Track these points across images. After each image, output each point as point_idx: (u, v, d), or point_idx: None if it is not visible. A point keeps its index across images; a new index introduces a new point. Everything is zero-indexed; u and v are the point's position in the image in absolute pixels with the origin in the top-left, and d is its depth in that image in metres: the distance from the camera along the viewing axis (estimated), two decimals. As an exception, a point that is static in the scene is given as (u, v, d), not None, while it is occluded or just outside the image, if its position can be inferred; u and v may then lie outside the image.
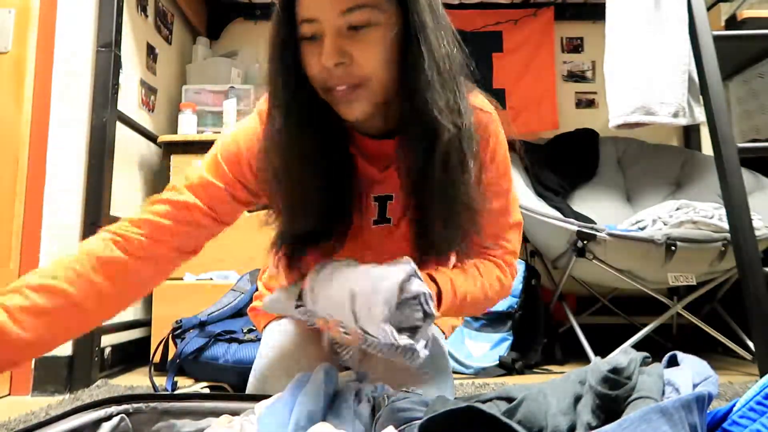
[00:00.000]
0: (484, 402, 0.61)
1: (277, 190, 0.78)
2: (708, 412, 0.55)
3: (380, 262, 0.74)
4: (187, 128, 2.23)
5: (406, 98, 0.72)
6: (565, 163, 2.52)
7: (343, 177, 0.80)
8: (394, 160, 0.79)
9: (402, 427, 0.59)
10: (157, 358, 1.81)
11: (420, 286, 0.68)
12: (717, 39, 1.66)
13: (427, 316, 0.68)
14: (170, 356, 1.80)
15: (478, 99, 0.85)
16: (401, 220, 0.84)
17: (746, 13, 2.11)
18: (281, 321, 1.01)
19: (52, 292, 0.70)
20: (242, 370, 1.50)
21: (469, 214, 0.77)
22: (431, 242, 0.79)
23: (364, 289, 0.68)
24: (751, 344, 1.97)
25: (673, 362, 0.65)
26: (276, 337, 0.97)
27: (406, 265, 0.69)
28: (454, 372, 1.88)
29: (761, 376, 0.73)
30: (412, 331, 0.68)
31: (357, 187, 0.83)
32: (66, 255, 0.76)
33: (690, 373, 0.59)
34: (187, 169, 0.85)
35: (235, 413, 0.69)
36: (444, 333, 1.06)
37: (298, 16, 0.70)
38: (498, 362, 1.93)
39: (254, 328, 1.61)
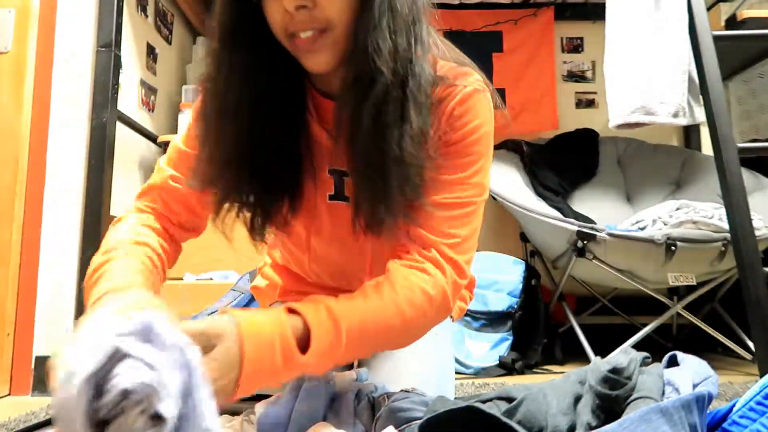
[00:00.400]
0: (484, 402, 0.61)
1: (216, 148, 0.71)
2: (708, 412, 0.55)
3: (336, 246, 0.75)
4: (187, 128, 2.23)
5: (353, 41, 0.65)
6: (565, 163, 2.52)
7: (293, 137, 0.74)
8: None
9: (402, 427, 0.59)
10: (157, 358, 1.81)
11: (135, 373, 0.41)
12: (717, 39, 1.66)
13: (159, 421, 0.41)
14: (170, 356, 1.80)
15: (453, 70, 0.75)
16: None
17: (746, 13, 2.11)
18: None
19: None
20: (242, 370, 1.50)
21: (403, 170, 0.66)
22: (366, 213, 0.69)
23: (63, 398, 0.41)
24: (751, 344, 1.97)
25: (673, 362, 0.65)
26: None
27: (112, 335, 0.43)
28: (455, 372, 1.88)
29: (761, 376, 0.73)
30: None
31: (309, 153, 0.76)
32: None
33: (690, 373, 0.59)
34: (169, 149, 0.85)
35: (235, 413, 0.69)
36: (452, 316, 0.94)
37: None
38: (498, 362, 1.93)
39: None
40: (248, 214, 0.76)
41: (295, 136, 0.75)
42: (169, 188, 0.81)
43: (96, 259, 0.70)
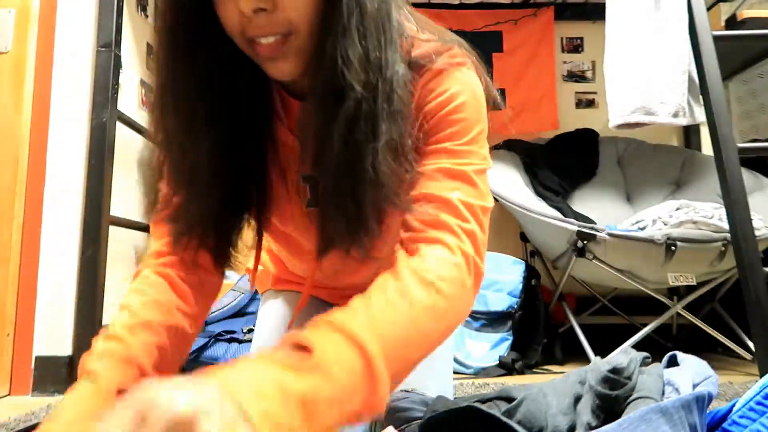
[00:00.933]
0: (484, 402, 0.61)
1: (173, 159, 0.65)
2: (708, 412, 0.55)
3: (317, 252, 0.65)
4: (187, 128, 2.23)
5: (318, 47, 0.58)
6: (565, 163, 2.52)
7: (259, 146, 0.69)
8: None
9: (402, 427, 0.59)
10: (157, 358, 1.81)
11: None
12: (717, 39, 1.66)
13: None
14: (170, 356, 1.80)
15: (432, 48, 0.68)
16: None
17: (746, 13, 2.11)
18: (275, 304, 1.00)
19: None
20: (242, 370, 1.50)
21: (378, 192, 0.59)
22: (332, 233, 0.63)
23: None
24: (751, 344, 1.97)
25: (673, 362, 0.65)
26: (271, 323, 0.97)
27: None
28: (454, 372, 1.88)
29: (761, 376, 0.73)
30: None
31: (278, 161, 0.71)
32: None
33: (690, 373, 0.59)
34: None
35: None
36: None
37: None
38: (498, 362, 1.93)
39: (254, 328, 1.61)
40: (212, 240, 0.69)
41: (261, 145, 0.70)
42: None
43: (97, 344, 0.66)
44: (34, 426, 0.59)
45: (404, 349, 0.50)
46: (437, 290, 0.54)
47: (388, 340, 0.48)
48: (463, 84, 0.66)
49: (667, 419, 0.49)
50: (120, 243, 2.00)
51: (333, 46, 0.56)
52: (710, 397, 0.52)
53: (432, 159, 0.63)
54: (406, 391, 0.68)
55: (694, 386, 0.56)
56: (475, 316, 2.05)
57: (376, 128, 0.58)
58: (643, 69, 1.82)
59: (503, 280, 2.08)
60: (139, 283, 0.70)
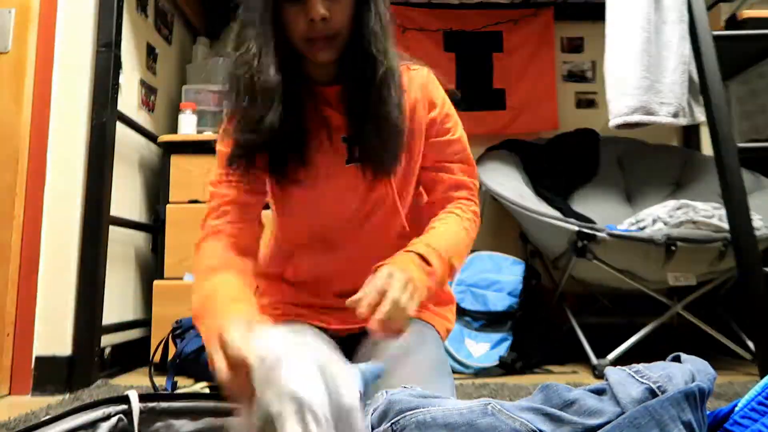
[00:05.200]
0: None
1: (241, 104, 0.90)
2: (709, 412, 0.55)
3: (341, 204, 0.96)
4: (187, 128, 2.23)
5: (358, 42, 0.90)
6: (565, 163, 2.52)
7: (301, 115, 0.94)
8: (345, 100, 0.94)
9: (396, 418, 0.58)
10: (157, 358, 1.81)
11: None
12: (717, 39, 1.66)
13: None
14: (170, 356, 1.80)
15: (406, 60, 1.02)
16: None
17: (746, 13, 2.11)
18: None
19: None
20: (242, 370, 1.50)
21: (397, 130, 0.92)
22: (371, 156, 0.93)
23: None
24: (751, 344, 1.97)
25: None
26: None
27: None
28: (454, 372, 1.88)
29: (761, 376, 0.73)
30: None
31: (317, 121, 0.95)
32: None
33: (679, 371, 0.58)
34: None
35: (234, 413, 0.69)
36: (440, 334, 1.05)
37: None
38: (498, 362, 1.93)
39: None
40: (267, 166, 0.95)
41: (301, 114, 0.94)
42: (224, 196, 0.95)
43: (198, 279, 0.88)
44: (34, 426, 0.59)
45: (462, 252, 0.98)
46: (470, 222, 1.02)
47: (455, 251, 0.95)
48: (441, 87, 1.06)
49: (657, 421, 0.48)
50: (120, 243, 2.00)
51: (366, 41, 0.89)
52: (702, 391, 0.52)
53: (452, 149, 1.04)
54: (405, 387, 0.68)
55: (686, 383, 0.56)
56: (475, 316, 2.05)
57: (392, 93, 0.91)
58: (643, 69, 1.82)
59: (503, 280, 2.08)
60: (204, 253, 0.92)
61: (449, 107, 1.04)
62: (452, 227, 0.98)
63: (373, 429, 0.60)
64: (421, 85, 1.00)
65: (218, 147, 0.98)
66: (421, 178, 1.05)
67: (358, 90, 0.91)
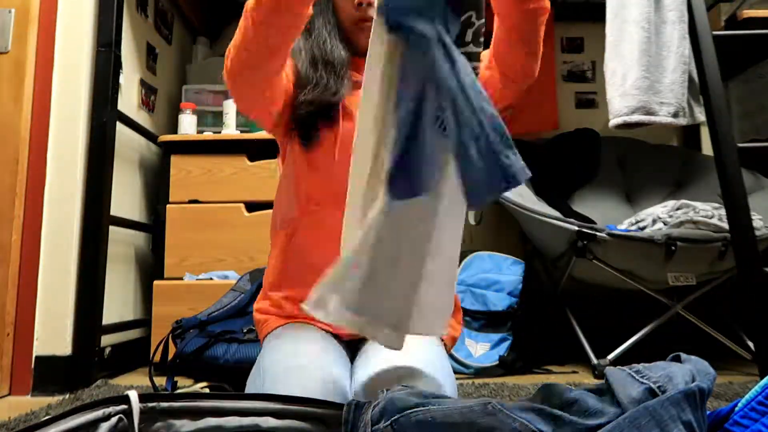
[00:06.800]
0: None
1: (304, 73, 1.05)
2: (709, 412, 0.55)
3: None
4: (187, 128, 2.23)
5: None
6: (565, 163, 2.52)
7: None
8: None
9: (396, 416, 0.58)
10: (157, 358, 1.81)
11: None
12: (717, 39, 1.66)
13: None
14: (170, 356, 1.80)
15: None
16: None
17: (746, 13, 2.11)
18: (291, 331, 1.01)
19: None
20: (242, 370, 1.50)
21: None
22: None
23: None
24: (751, 344, 1.97)
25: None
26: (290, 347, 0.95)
27: None
28: (454, 372, 1.87)
29: (761, 376, 0.73)
30: None
31: (358, 86, 1.02)
32: None
33: (679, 371, 0.58)
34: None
35: (236, 413, 0.69)
36: (446, 344, 1.07)
37: None
38: (498, 362, 1.93)
39: (254, 328, 1.61)
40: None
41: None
42: None
43: None
44: (34, 426, 0.59)
45: None
46: None
47: None
48: None
49: (657, 422, 0.48)
50: (120, 243, 2.00)
51: None
52: (702, 391, 0.52)
53: None
54: (405, 386, 0.68)
55: (686, 383, 0.56)
56: (475, 315, 2.05)
57: None
58: (643, 69, 1.82)
59: (503, 280, 2.08)
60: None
61: None
62: None
63: (372, 426, 0.60)
64: None
65: None
66: None
67: None
